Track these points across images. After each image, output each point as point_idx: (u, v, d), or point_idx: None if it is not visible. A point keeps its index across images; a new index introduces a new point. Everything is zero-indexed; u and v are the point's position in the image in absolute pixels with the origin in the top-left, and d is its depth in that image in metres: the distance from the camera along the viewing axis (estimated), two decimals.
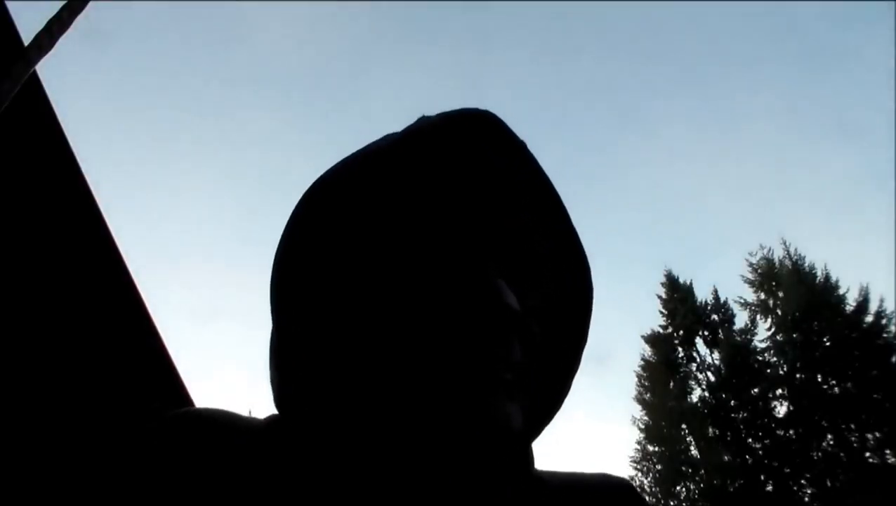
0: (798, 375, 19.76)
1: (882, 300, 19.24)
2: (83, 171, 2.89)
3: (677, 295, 22.60)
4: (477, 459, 0.45)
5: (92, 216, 2.99)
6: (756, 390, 20.03)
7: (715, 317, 22.16)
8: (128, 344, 3.48)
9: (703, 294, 22.76)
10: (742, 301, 21.79)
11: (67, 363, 3.35)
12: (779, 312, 20.83)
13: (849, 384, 18.68)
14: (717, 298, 22.41)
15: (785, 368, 20.14)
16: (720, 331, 21.72)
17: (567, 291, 0.57)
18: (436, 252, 0.48)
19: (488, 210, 0.51)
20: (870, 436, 17.94)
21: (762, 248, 21.97)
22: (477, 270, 0.47)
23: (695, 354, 21.88)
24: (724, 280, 40.24)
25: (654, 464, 21.04)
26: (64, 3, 2.63)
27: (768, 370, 20.42)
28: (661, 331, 22.55)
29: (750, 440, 19.62)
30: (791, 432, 19.28)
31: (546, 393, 0.54)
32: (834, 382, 19.19)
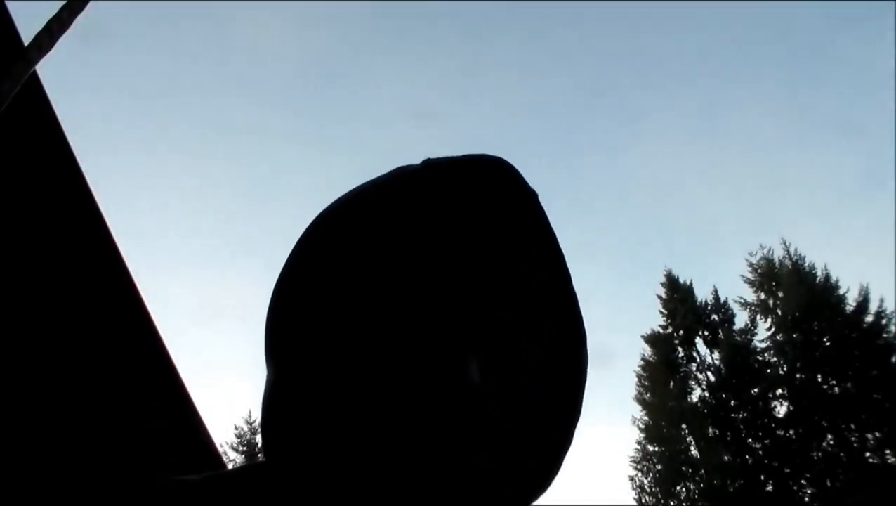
0: (798, 375, 19.77)
1: (882, 300, 19.28)
2: (83, 170, 2.90)
3: (677, 295, 22.60)
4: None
5: (92, 216, 2.99)
6: (756, 389, 20.03)
7: (715, 317, 22.17)
8: (128, 344, 3.48)
9: (703, 294, 22.79)
10: (742, 301, 21.82)
11: (67, 363, 3.35)
12: (779, 312, 20.83)
13: (849, 384, 18.69)
14: (717, 298, 22.43)
15: (785, 368, 20.15)
16: (720, 331, 21.72)
17: (559, 362, 0.54)
18: (418, 316, 0.47)
19: (482, 276, 0.50)
20: (870, 436, 17.95)
21: (762, 248, 22.01)
22: (449, 346, 0.47)
23: (695, 354, 21.90)
24: (724, 280, 40.23)
25: (654, 464, 21.04)
26: (64, 3, 2.63)
27: (768, 370, 20.43)
28: (661, 331, 22.56)
29: (750, 440, 19.63)
30: (791, 432, 19.29)
31: (533, 469, 0.52)
32: (834, 382, 19.20)
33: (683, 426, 20.71)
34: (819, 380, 19.43)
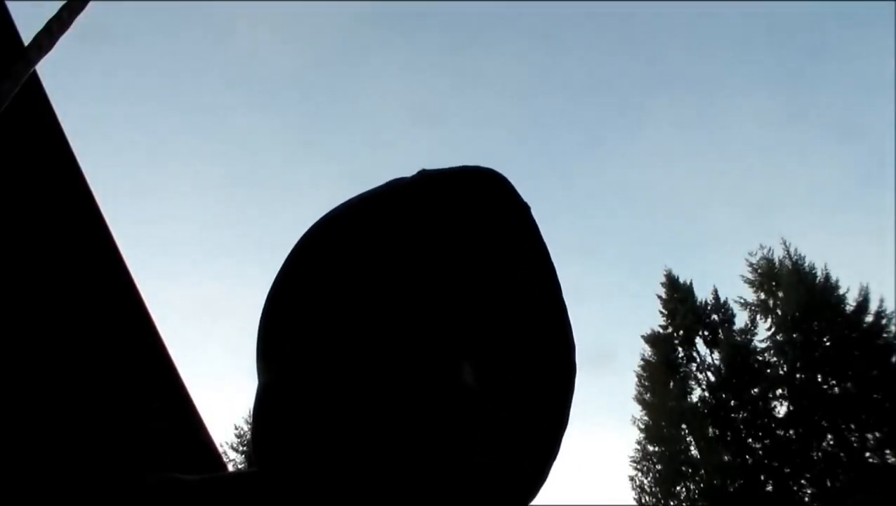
0: (798, 375, 19.77)
1: (882, 300, 19.28)
2: (83, 171, 2.90)
3: (677, 295, 22.61)
4: None
5: (92, 216, 2.99)
6: (756, 389, 20.03)
7: (715, 317, 22.17)
8: (128, 344, 3.48)
9: (703, 294, 22.79)
10: (742, 301, 21.82)
11: (67, 363, 3.35)
12: (779, 312, 20.84)
13: (849, 384, 18.69)
14: (717, 298, 22.43)
15: (785, 368, 20.15)
16: (720, 331, 21.72)
17: (549, 370, 0.55)
18: (411, 323, 0.48)
19: (475, 285, 0.51)
20: (870, 436, 17.95)
21: (762, 248, 22.01)
22: (444, 352, 0.48)
23: (695, 354, 21.90)
24: (724, 280, 40.21)
25: (654, 464, 21.04)
26: (64, 3, 2.63)
27: (768, 370, 20.43)
28: (661, 331, 22.56)
29: (750, 440, 19.62)
30: (791, 432, 19.29)
31: (520, 480, 0.52)
32: (834, 382, 19.20)
33: (683, 426, 20.71)
34: (819, 380, 19.43)
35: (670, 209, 36.95)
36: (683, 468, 20.17)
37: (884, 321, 19.01)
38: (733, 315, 22.00)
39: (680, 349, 22.04)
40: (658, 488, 20.62)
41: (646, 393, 21.96)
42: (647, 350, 22.52)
